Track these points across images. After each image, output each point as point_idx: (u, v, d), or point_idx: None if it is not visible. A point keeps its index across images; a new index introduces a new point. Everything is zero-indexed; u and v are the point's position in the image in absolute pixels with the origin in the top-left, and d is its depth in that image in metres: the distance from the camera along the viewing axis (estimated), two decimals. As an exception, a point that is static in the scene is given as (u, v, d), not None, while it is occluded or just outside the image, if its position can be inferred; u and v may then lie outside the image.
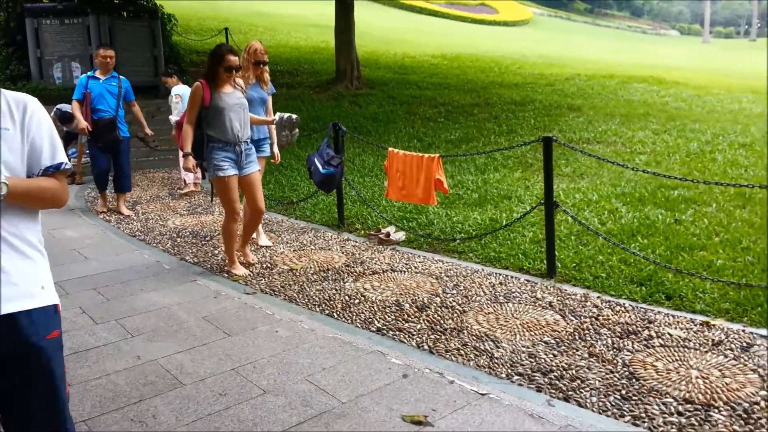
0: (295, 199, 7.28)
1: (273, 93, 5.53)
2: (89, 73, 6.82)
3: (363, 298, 4.22)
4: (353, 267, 4.90)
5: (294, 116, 5.28)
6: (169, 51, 13.81)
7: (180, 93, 7.84)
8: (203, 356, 3.43)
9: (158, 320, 3.98)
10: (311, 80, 15.07)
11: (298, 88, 14.12)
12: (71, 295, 4.50)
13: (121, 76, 6.90)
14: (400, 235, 5.62)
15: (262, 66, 5.23)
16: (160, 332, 3.79)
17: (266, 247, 5.55)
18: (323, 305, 4.14)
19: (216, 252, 5.48)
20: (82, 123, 6.66)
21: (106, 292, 4.54)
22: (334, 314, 3.99)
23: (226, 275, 4.84)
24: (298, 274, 4.80)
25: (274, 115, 5.25)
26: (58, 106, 9.05)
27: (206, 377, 3.19)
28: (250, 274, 4.80)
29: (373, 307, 4.07)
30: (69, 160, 7.53)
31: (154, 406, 2.92)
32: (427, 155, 5.30)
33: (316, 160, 5.52)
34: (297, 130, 5.37)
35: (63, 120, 8.84)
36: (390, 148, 5.59)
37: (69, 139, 9.16)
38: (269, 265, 5.05)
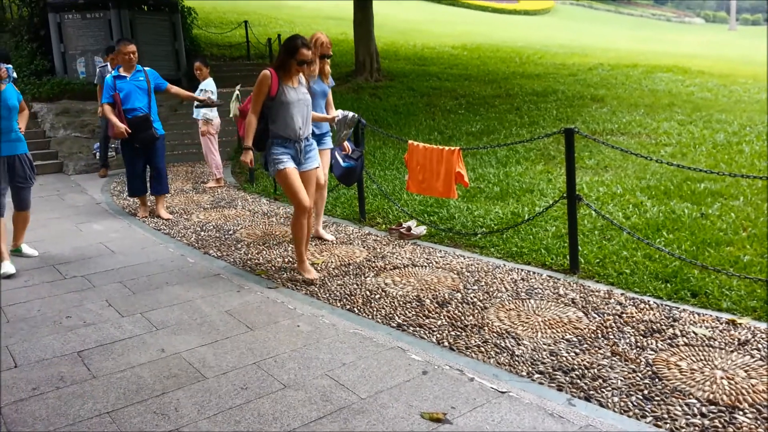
0: (315, 192, 7.29)
1: (332, 86, 5.46)
2: (114, 73, 6.55)
3: (384, 294, 4.23)
4: (374, 262, 4.91)
5: (356, 115, 5.23)
6: (189, 44, 13.90)
7: (210, 89, 7.89)
8: (225, 350, 3.47)
9: (182, 313, 4.03)
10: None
11: (319, 80, 14.13)
12: (98, 288, 4.57)
13: (146, 68, 6.65)
14: (422, 230, 5.61)
15: (326, 59, 5.19)
16: (183, 325, 3.84)
17: (328, 241, 5.49)
18: (344, 300, 4.16)
19: (239, 246, 5.52)
20: (120, 126, 6.36)
21: (132, 285, 4.60)
22: (355, 309, 4.00)
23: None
24: (319, 268, 4.82)
25: (335, 110, 5.20)
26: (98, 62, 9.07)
27: (228, 371, 3.22)
28: (320, 278, 4.57)
29: (393, 302, 4.07)
30: (108, 149, 7.62)
31: (177, 399, 2.96)
32: (447, 148, 5.27)
33: (336, 153, 5.53)
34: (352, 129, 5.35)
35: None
36: (410, 141, 5.58)
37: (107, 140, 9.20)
38: (291, 259, 5.08)
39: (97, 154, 9.64)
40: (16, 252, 5.37)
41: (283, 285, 4.51)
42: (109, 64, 8.91)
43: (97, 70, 9.35)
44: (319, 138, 5.21)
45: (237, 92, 8.34)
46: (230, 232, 5.98)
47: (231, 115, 8.27)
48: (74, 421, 2.80)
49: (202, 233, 6.00)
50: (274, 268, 4.88)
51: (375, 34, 14.68)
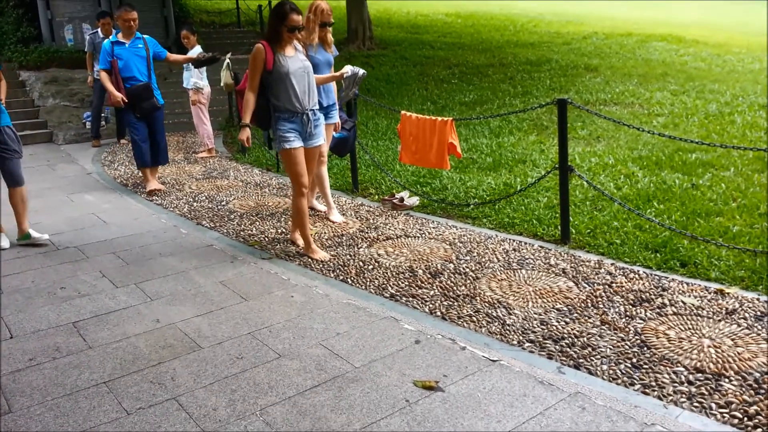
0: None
1: (336, 55, 5.23)
2: (112, 38, 6.32)
3: (377, 264, 4.26)
4: (367, 233, 4.93)
5: (365, 72, 4.94)
6: (179, 11, 13.68)
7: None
8: (220, 320, 3.50)
9: (176, 284, 4.05)
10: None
11: (311, 48, 13.98)
12: (91, 259, 4.58)
13: (144, 36, 6.42)
14: (414, 200, 5.62)
15: (327, 27, 4.98)
16: (178, 296, 3.86)
17: (338, 223, 5.18)
18: (338, 271, 4.19)
19: (232, 217, 5.52)
20: (116, 95, 6.19)
21: (126, 256, 4.61)
22: (348, 280, 4.04)
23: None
24: (312, 239, 4.84)
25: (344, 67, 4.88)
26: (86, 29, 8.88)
27: (223, 341, 3.26)
28: (331, 258, 4.41)
29: (386, 273, 4.11)
30: (100, 119, 7.40)
31: (173, 369, 2.99)
32: (440, 118, 5.26)
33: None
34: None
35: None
36: (403, 112, 5.55)
37: (102, 92, 8.81)
38: (284, 230, 5.09)
39: (87, 123, 9.53)
40: (24, 239, 4.92)
41: (276, 256, 4.53)
42: (99, 30, 8.77)
43: (87, 37, 9.20)
44: (326, 111, 5.06)
45: (227, 60, 8.24)
46: (223, 203, 5.98)
47: (222, 84, 8.20)
48: (71, 391, 2.83)
49: (195, 204, 6.00)
50: (267, 239, 4.89)
51: (367, 1, 14.49)
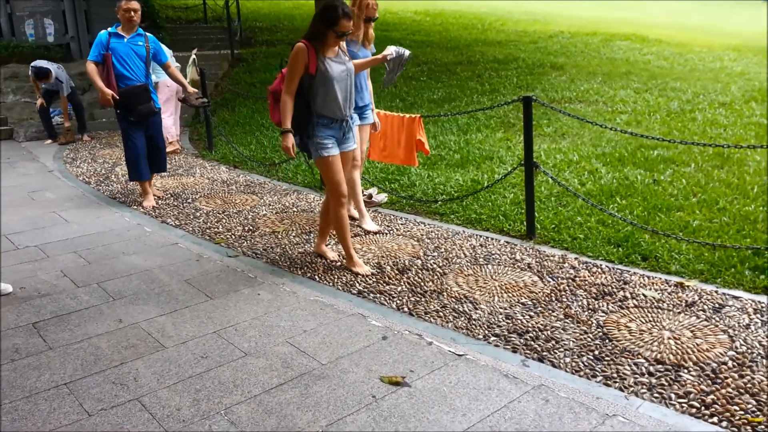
0: (277, 160, 7.23)
1: (374, 52, 4.76)
2: (111, 29, 5.54)
3: (344, 261, 4.25)
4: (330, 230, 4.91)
5: (410, 53, 4.43)
6: (143, 6, 13.43)
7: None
8: (185, 319, 3.46)
9: (140, 283, 3.98)
10: (291, 37, 14.78)
11: (278, 45, 13.88)
12: (52, 258, 4.48)
13: (147, 34, 5.73)
14: (383, 197, 5.62)
15: (371, 22, 4.62)
16: (141, 295, 3.80)
17: (373, 232, 4.81)
18: (305, 268, 4.17)
19: (198, 214, 5.46)
20: (106, 91, 5.37)
21: (87, 255, 4.52)
22: (316, 277, 4.02)
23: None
24: (280, 236, 4.81)
25: (387, 48, 4.32)
26: (33, 63, 8.85)
27: (188, 340, 3.22)
28: (373, 272, 4.07)
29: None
30: (51, 121, 7.08)
31: (136, 369, 2.95)
32: (408, 115, 5.27)
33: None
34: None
35: (39, 75, 8.64)
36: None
37: (49, 96, 8.97)
38: (251, 227, 5.05)
39: (57, 117, 9.39)
40: None
41: (243, 254, 4.49)
42: None
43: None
44: (360, 111, 4.65)
45: (193, 56, 8.14)
46: (188, 201, 5.90)
47: (188, 80, 8.08)
48: (30, 393, 2.77)
49: (160, 201, 5.90)
50: (234, 237, 4.84)
51: (336, -2, 14.43)
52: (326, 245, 4.42)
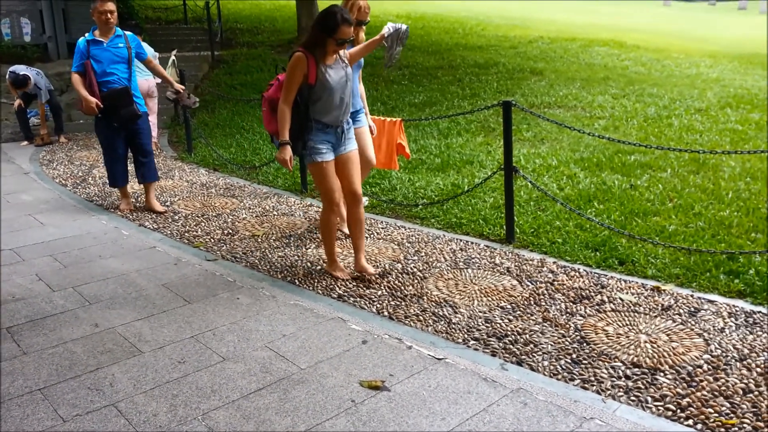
0: (257, 163, 7.19)
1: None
2: (87, 36, 5.34)
3: (325, 265, 4.23)
4: (316, 233, 4.90)
5: (406, 26, 4.18)
6: (123, 7, 13.29)
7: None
8: (162, 324, 3.42)
9: (117, 287, 3.94)
10: (272, 39, 14.74)
11: (259, 47, 13.82)
12: (27, 262, 4.41)
13: (126, 32, 5.51)
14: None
15: (362, 26, 4.57)
16: (118, 300, 3.75)
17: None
18: (285, 272, 4.15)
19: (176, 218, 5.41)
20: (90, 100, 5.22)
21: (63, 259, 4.46)
22: (296, 281, 4.00)
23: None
24: (260, 240, 4.79)
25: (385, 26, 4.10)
26: (11, 68, 8.72)
27: (165, 345, 3.18)
28: (350, 278, 4.00)
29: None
30: (28, 122, 6.92)
31: (112, 374, 2.91)
32: (389, 119, 5.28)
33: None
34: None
35: (17, 84, 8.53)
36: (352, 113, 5.53)
37: (27, 100, 8.85)
38: (231, 231, 5.02)
39: (34, 119, 9.27)
40: None
41: (222, 257, 4.46)
42: None
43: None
44: (353, 116, 4.46)
45: (173, 58, 8.07)
46: (167, 204, 5.84)
47: None
48: (4, 398, 2.72)
49: (137, 205, 5.84)
50: (213, 240, 4.81)
51: (318, 1, 14.42)
52: (365, 260, 4.09)
